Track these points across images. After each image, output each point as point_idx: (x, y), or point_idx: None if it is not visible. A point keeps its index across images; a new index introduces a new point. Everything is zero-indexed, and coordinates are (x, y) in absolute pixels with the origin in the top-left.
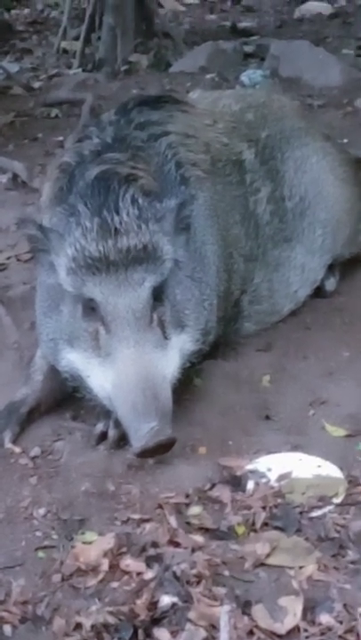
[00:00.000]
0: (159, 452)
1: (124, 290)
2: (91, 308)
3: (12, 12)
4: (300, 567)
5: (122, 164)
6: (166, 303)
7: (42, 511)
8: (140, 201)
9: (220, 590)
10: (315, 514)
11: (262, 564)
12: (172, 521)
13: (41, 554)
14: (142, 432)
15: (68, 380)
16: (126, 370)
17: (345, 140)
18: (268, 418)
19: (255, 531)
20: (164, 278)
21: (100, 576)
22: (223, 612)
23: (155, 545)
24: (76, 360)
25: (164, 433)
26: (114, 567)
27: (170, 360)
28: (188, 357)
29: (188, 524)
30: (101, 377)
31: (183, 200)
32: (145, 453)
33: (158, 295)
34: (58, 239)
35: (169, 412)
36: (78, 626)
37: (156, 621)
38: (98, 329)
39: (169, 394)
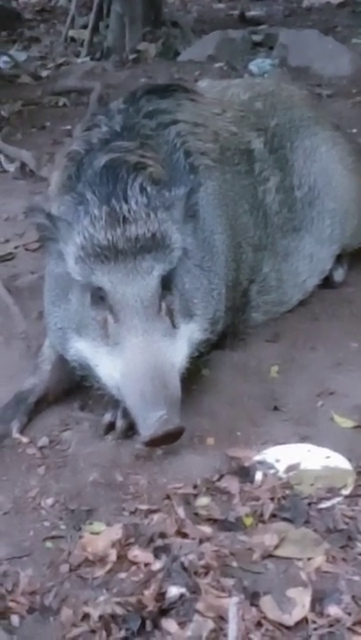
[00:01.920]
0: (168, 441)
1: (132, 278)
2: (99, 297)
3: (21, 0)
4: (309, 558)
5: (130, 152)
6: (175, 292)
7: (50, 501)
8: (149, 189)
9: (229, 581)
10: (323, 505)
11: (270, 556)
12: (180, 512)
13: (49, 544)
14: (151, 421)
15: (76, 369)
16: (135, 358)
17: (354, 130)
18: (276, 408)
19: (263, 522)
20: (172, 267)
21: (108, 566)
22: (231, 604)
23: (162, 536)
24: (84, 349)
25: (172, 422)
26: (122, 558)
27: (178, 349)
28: (196, 347)
29: (195, 514)
30: (110, 366)
31: (191, 187)
32: (153, 442)
33: (167, 284)
34: (66, 228)
35: (178, 401)
36: (86, 616)
37: (163, 612)
38: (106, 317)
39: (178, 382)
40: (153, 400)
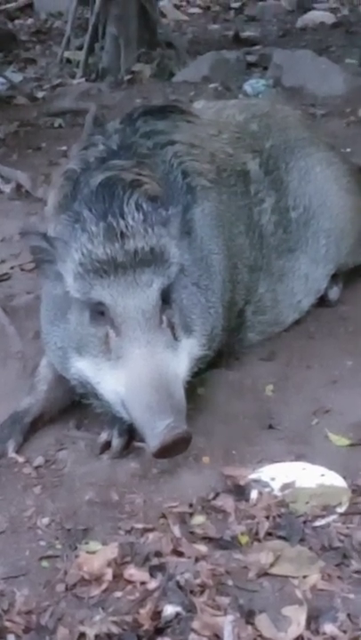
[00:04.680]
0: (176, 449)
1: (132, 291)
2: (99, 313)
3: (16, 21)
4: (304, 577)
5: (126, 170)
6: (174, 306)
7: (45, 521)
8: (145, 206)
9: (224, 600)
10: (318, 523)
11: (266, 574)
12: (176, 530)
13: (45, 563)
14: (159, 429)
15: (76, 388)
16: (139, 370)
17: (348, 150)
18: (271, 427)
19: (259, 540)
20: (171, 281)
21: (104, 586)
22: (227, 622)
23: (158, 554)
24: (85, 368)
25: (180, 428)
26: (117, 577)
27: (181, 360)
28: (196, 362)
29: (191, 533)
30: (113, 381)
31: (186, 204)
32: (163, 451)
33: (166, 298)
34: (63, 247)
35: (184, 410)
36: (82, 636)
37: (159, 631)
38: (107, 332)
39: (182, 392)
40: (159, 409)
